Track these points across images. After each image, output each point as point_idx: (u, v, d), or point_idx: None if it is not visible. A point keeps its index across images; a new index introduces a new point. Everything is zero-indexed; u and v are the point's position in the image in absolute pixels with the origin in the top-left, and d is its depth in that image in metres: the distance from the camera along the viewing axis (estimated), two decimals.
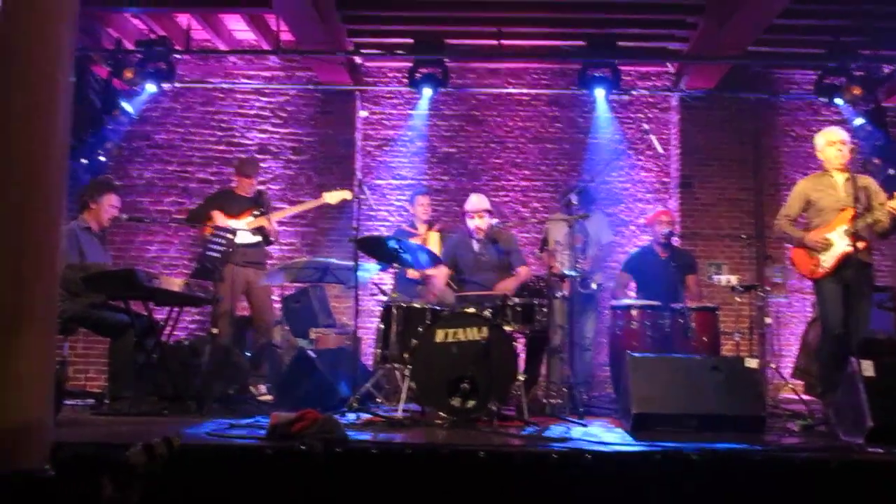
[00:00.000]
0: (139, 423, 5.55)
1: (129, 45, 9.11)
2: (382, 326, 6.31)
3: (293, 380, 6.61)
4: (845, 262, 5.87)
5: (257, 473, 4.11)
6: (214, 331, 6.49)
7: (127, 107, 8.78)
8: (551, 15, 8.93)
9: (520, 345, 6.36)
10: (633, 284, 8.03)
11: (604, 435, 5.16)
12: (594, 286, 7.89)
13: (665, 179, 10.35)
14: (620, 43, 8.94)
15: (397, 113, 10.43)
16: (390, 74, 10.45)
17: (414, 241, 7.58)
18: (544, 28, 9.30)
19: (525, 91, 10.37)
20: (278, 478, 4.10)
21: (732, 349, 7.79)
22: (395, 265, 6.55)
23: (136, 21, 9.37)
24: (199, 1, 8.74)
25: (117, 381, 6.39)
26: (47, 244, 3.68)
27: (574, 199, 7.23)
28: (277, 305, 8.46)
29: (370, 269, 7.73)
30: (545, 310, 6.37)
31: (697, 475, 4.14)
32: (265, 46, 9.74)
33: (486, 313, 5.89)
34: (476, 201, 7.26)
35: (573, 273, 6.90)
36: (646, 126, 9.47)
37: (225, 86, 10.17)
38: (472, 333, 5.71)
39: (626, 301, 7.63)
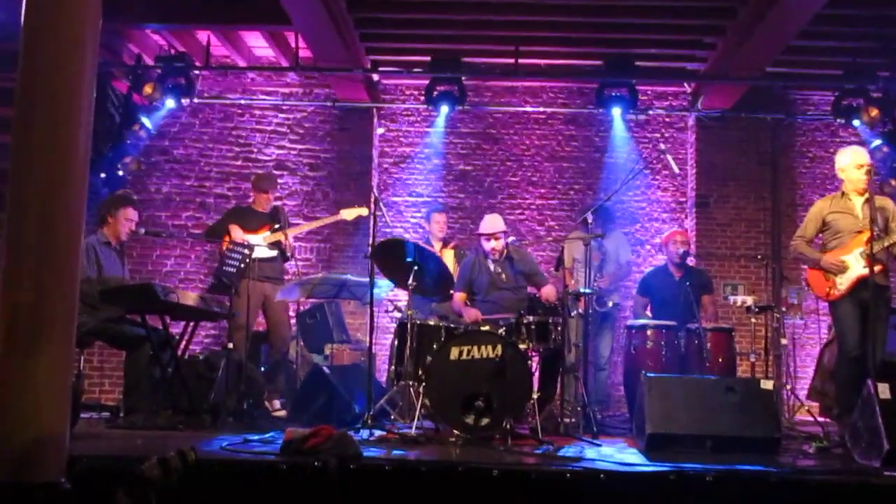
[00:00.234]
0: (154, 436, 5.57)
1: (149, 61, 9.20)
2: (397, 343, 6.32)
3: (308, 395, 6.63)
4: (861, 284, 5.84)
5: (271, 489, 4.12)
6: (230, 345, 6.51)
7: (146, 122, 8.84)
8: (568, 34, 8.94)
9: (534, 363, 6.35)
10: (648, 304, 8.03)
11: (618, 455, 5.15)
12: (611, 304, 7.90)
13: (681, 199, 10.34)
14: (638, 62, 8.95)
15: (414, 130, 10.47)
16: (407, 92, 10.50)
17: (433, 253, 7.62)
18: (561, 47, 9.31)
19: (542, 109, 10.39)
20: (292, 493, 4.11)
21: (748, 370, 7.75)
22: (409, 285, 6.55)
23: (156, 37, 9.45)
24: (220, 18, 8.79)
25: (132, 394, 6.42)
26: (68, 257, 3.72)
27: (590, 217, 7.23)
28: (293, 321, 8.49)
29: (385, 286, 7.74)
30: (560, 328, 6.36)
31: (711, 496, 4.12)
32: (284, 63, 9.79)
33: (501, 331, 5.90)
34: (491, 224, 7.24)
35: (588, 291, 6.89)
36: (662, 146, 9.46)
37: (243, 102, 10.23)
38: (487, 351, 5.71)
39: (642, 321, 7.62)
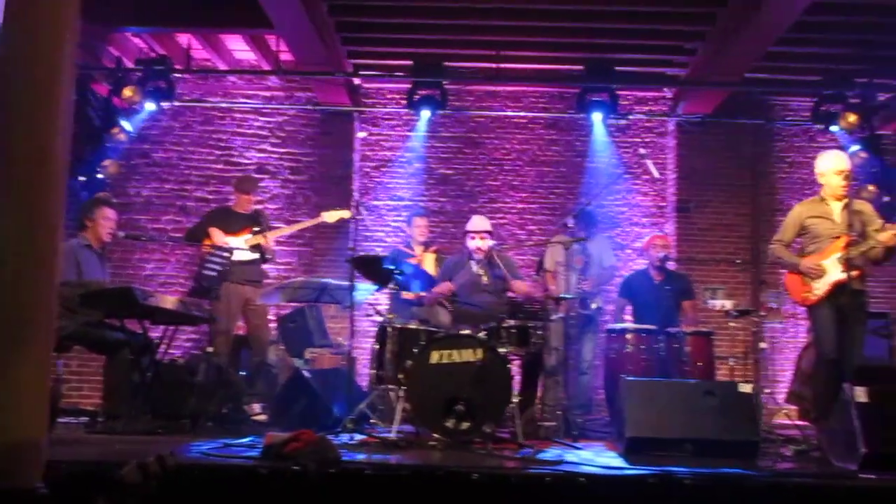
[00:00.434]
0: (133, 441, 5.54)
1: (130, 64, 9.17)
2: (377, 347, 6.31)
3: (288, 400, 6.61)
4: (838, 289, 5.87)
5: (251, 494, 4.09)
6: (210, 349, 6.49)
7: (126, 125, 8.81)
8: (550, 39, 8.98)
9: (515, 367, 6.36)
10: (629, 308, 8.06)
11: (598, 458, 5.15)
12: (594, 306, 7.91)
13: (661, 204, 10.39)
14: (619, 68, 9.01)
15: (395, 134, 10.47)
16: (389, 96, 10.50)
17: (411, 263, 7.62)
18: (543, 52, 9.36)
19: (523, 114, 10.42)
20: (272, 498, 4.09)
21: (727, 374, 7.79)
22: (389, 287, 6.54)
23: (136, 40, 9.43)
24: (200, 21, 8.79)
25: (112, 399, 6.38)
26: (47, 261, 3.69)
27: (571, 221, 7.26)
28: (273, 325, 8.46)
29: (366, 290, 7.74)
30: (540, 332, 6.37)
31: (691, 499, 4.13)
32: (265, 66, 9.79)
33: (481, 335, 5.91)
34: (478, 222, 7.29)
35: (569, 295, 6.91)
36: (643, 150, 9.53)
37: (224, 105, 10.21)
38: (467, 355, 5.71)
39: (621, 325, 7.64)
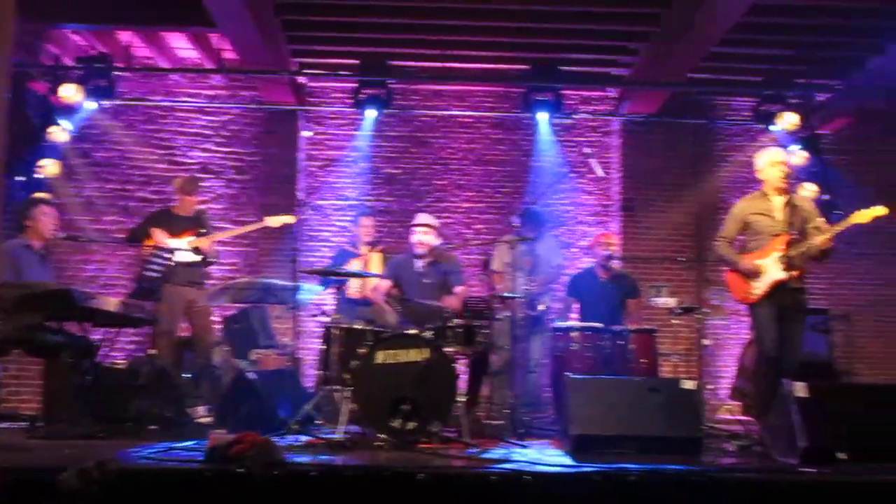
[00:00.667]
0: (74, 446, 5.42)
1: (70, 62, 9.00)
2: (323, 348, 6.28)
3: (232, 402, 6.53)
4: (778, 288, 5.96)
5: (195, 497, 4.04)
6: (153, 352, 6.40)
7: (66, 124, 8.65)
8: (496, 39, 9.00)
9: (461, 366, 6.37)
10: (576, 307, 8.11)
11: (543, 456, 5.18)
12: (541, 307, 7.95)
13: (606, 202, 10.47)
14: (564, 67, 9.06)
15: (341, 133, 10.42)
16: (334, 95, 10.45)
17: (356, 262, 7.61)
18: (488, 52, 9.37)
19: (469, 113, 10.43)
20: (217, 501, 4.04)
21: (671, 371, 7.87)
22: (335, 286, 6.49)
23: (76, 37, 9.26)
24: (142, 18, 8.66)
25: (52, 403, 6.27)
26: None
27: (517, 220, 7.28)
28: (218, 326, 8.37)
29: (312, 290, 7.69)
30: (487, 331, 6.39)
31: (635, 496, 4.17)
32: (208, 65, 9.68)
33: (427, 335, 5.90)
34: (422, 217, 7.30)
35: (515, 295, 6.93)
36: (587, 150, 9.60)
37: (167, 104, 10.07)
38: (413, 355, 5.71)
39: (567, 323, 7.68)
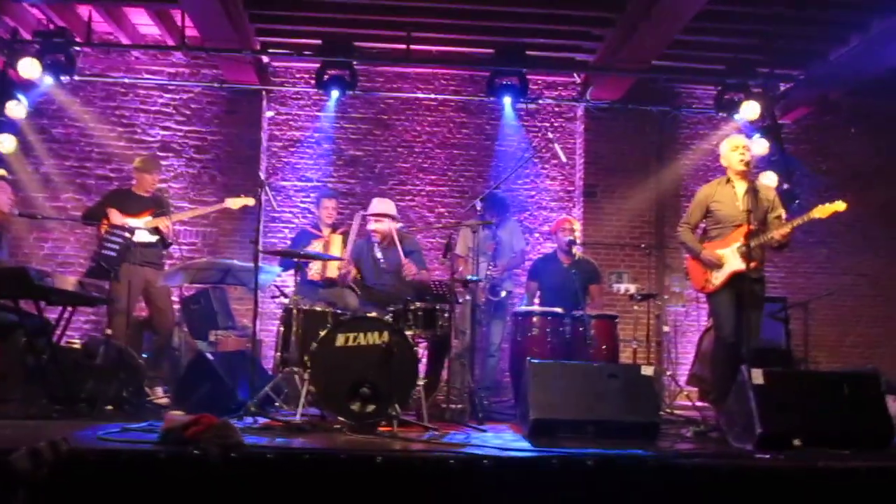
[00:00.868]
0: (26, 426, 5.35)
1: (27, 36, 8.82)
2: (283, 329, 6.23)
3: (190, 383, 6.47)
4: (737, 277, 6.01)
5: (149, 479, 4.00)
6: (109, 331, 6.32)
7: (23, 99, 8.49)
8: (461, 22, 8.96)
9: (422, 349, 6.36)
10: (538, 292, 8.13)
11: (502, 441, 5.19)
12: (503, 294, 7.95)
13: (569, 188, 10.50)
14: (529, 52, 9.04)
15: (304, 114, 10.36)
16: (298, 75, 10.37)
17: (317, 243, 7.56)
18: (454, 34, 9.33)
19: (433, 96, 10.41)
20: (172, 483, 4.00)
21: (630, 357, 7.92)
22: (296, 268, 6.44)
23: (34, 11, 9.08)
24: None
25: (5, 382, 6.15)
26: None
27: (479, 204, 7.27)
28: (177, 306, 8.29)
29: (272, 272, 7.63)
30: (447, 315, 6.38)
31: (593, 481, 4.19)
32: (170, 42, 9.54)
33: (388, 318, 5.88)
34: (375, 205, 7.25)
35: (477, 279, 6.93)
36: (551, 135, 9.61)
37: (127, 81, 9.94)
38: (373, 338, 5.68)
39: (528, 308, 7.70)
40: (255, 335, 6.46)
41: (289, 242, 8.57)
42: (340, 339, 5.69)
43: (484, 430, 5.74)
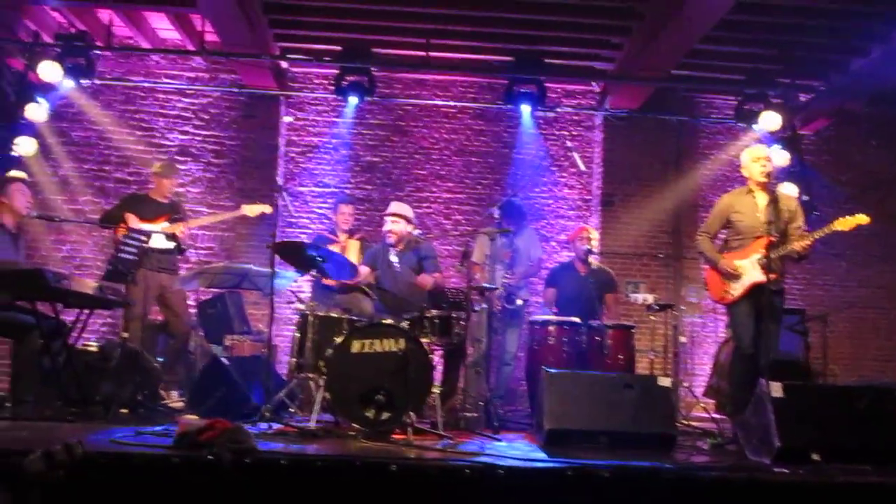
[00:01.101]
0: (41, 428, 5.36)
1: (48, 39, 8.87)
2: (298, 335, 6.22)
3: (205, 387, 6.47)
4: (756, 289, 5.96)
5: (163, 483, 3.99)
6: (125, 335, 6.33)
7: (43, 102, 8.52)
8: (479, 29, 8.95)
9: (437, 357, 6.33)
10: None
11: (517, 450, 5.16)
12: (519, 302, 7.92)
13: (587, 197, 10.47)
14: (547, 60, 9.02)
15: (322, 120, 10.36)
16: (316, 81, 10.38)
17: (333, 248, 7.55)
18: (472, 42, 9.32)
19: (451, 104, 10.39)
20: (185, 488, 4.00)
21: (647, 367, 7.88)
22: (312, 273, 6.43)
23: (55, 14, 9.12)
24: None
25: (20, 384, 6.18)
26: None
27: (496, 212, 7.24)
28: (193, 310, 8.30)
29: (288, 277, 7.63)
30: (463, 322, 6.35)
31: (608, 492, 4.15)
32: (189, 47, 9.57)
33: (404, 325, 5.86)
34: (393, 206, 7.25)
35: (493, 287, 6.90)
36: (569, 143, 9.59)
37: (146, 85, 9.97)
38: (389, 345, 5.66)
39: (544, 317, 7.66)
40: (270, 340, 6.45)
41: None
42: (356, 346, 5.68)
43: (499, 440, 5.71)
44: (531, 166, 10.08)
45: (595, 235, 8.32)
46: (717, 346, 8.57)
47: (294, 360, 6.25)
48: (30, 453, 3.45)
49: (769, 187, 6.14)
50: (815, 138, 10.46)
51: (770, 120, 8.75)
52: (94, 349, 6.85)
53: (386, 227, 7.16)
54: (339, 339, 5.75)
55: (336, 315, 6.23)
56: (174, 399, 7.38)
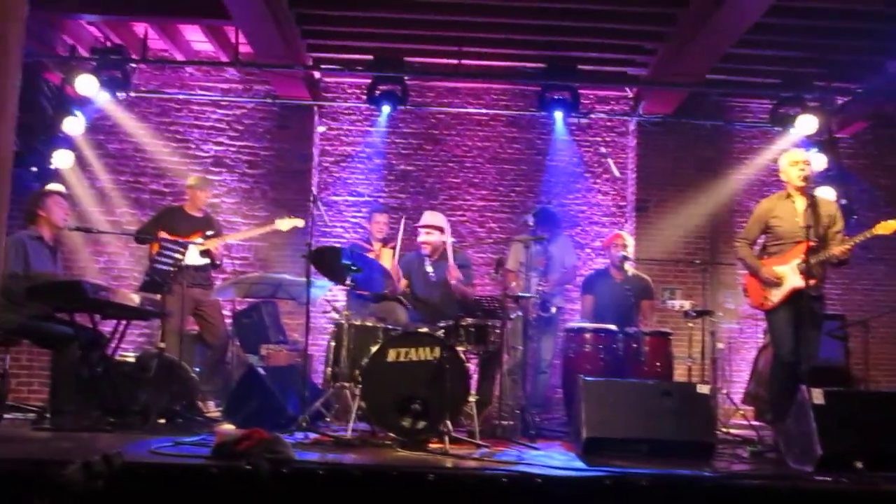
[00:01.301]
0: (80, 438, 5.41)
1: (84, 53, 8.98)
2: (334, 344, 6.23)
3: (242, 397, 6.50)
4: (796, 295, 5.89)
5: (201, 494, 4.00)
6: (162, 345, 6.37)
7: (80, 115, 8.62)
8: (512, 36, 8.93)
9: (473, 365, 6.31)
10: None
11: (554, 459, 5.13)
12: (553, 310, 7.88)
13: (621, 203, 10.40)
14: (580, 66, 8.99)
15: (355, 129, 10.38)
16: (349, 90, 10.41)
17: (367, 257, 7.55)
18: (504, 49, 9.30)
19: (484, 111, 10.37)
20: (223, 498, 4.00)
21: (684, 374, 7.80)
22: (346, 284, 6.43)
23: (91, 28, 9.23)
24: (157, 10, 8.60)
25: (59, 394, 6.23)
26: None
27: (531, 220, 7.21)
28: (229, 320, 8.34)
29: (323, 286, 7.64)
30: (498, 331, 6.33)
31: (647, 501, 4.11)
32: (223, 58, 9.64)
33: (439, 333, 5.85)
34: (427, 217, 7.26)
35: (528, 295, 6.87)
36: (603, 149, 9.53)
37: (181, 97, 10.05)
38: (425, 353, 5.66)
39: (580, 324, 7.62)
40: (306, 349, 6.47)
41: None
42: (392, 355, 5.68)
43: (535, 448, 5.68)
44: (565, 173, 10.02)
45: (630, 241, 8.26)
46: (756, 352, 8.47)
47: (330, 369, 6.26)
48: (69, 464, 3.46)
49: (808, 191, 6.07)
50: (852, 141, 10.31)
51: (806, 123, 8.66)
52: (131, 359, 6.91)
53: (420, 239, 7.17)
54: (374, 348, 5.76)
55: (371, 324, 6.25)
56: (211, 409, 7.41)
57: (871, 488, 4.36)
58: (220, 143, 10.12)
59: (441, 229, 7.16)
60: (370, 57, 9.00)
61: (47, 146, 8.42)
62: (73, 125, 8.58)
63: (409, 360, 5.66)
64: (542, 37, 8.91)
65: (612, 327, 7.27)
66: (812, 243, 5.80)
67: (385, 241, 8.24)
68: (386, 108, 8.91)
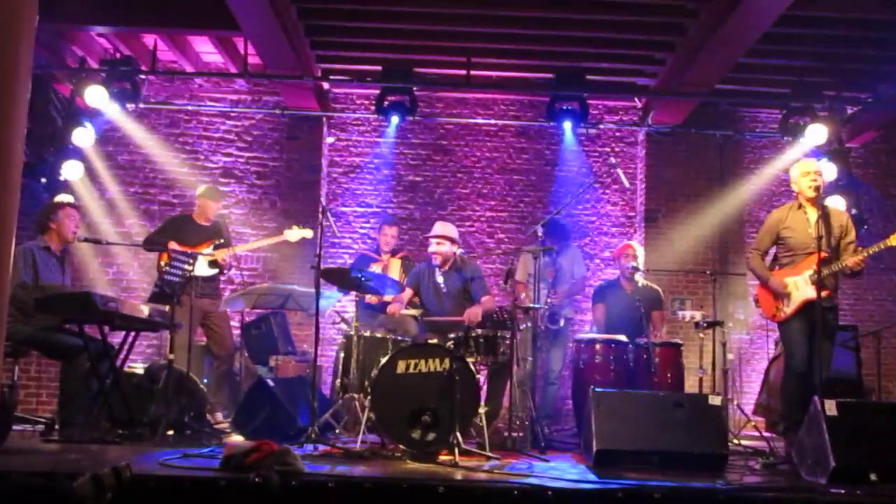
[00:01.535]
0: (89, 450, 5.39)
1: (94, 64, 9.00)
2: (343, 355, 6.21)
3: (251, 408, 6.48)
4: (809, 306, 5.85)
5: None
6: (171, 356, 6.35)
7: (90, 126, 8.63)
8: (521, 47, 8.93)
9: (482, 377, 6.28)
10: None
11: (565, 471, 5.09)
12: (562, 322, 7.85)
13: (631, 213, 10.38)
14: (589, 76, 8.97)
15: (364, 140, 10.38)
16: (358, 101, 10.42)
17: (375, 267, 7.55)
18: (513, 59, 9.30)
19: (493, 122, 10.37)
20: None
21: (695, 385, 7.76)
22: (356, 293, 6.42)
23: (101, 40, 9.26)
24: (167, 21, 8.62)
25: (68, 406, 6.21)
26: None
27: (540, 230, 7.19)
28: (237, 331, 8.33)
29: (332, 297, 7.62)
30: (508, 341, 6.31)
31: None
32: (232, 69, 9.66)
33: (449, 344, 5.83)
34: (437, 227, 7.24)
35: (537, 306, 6.85)
36: (613, 160, 9.50)
37: (190, 108, 10.06)
38: (434, 364, 5.63)
39: (590, 335, 7.59)
40: (315, 361, 6.45)
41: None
42: (401, 366, 5.66)
43: (546, 460, 5.65)
44: (574, 183, 10.01)
45: (640, 252, 8.23)
46: (767, 363, 8.42)
47: (339, 380, 6.25)
48: (78, 476, 3.44)
49: (819, 202, 6.03)
50: (862, 151, 10.29)
51: (817, 133, 8.63)
52: (140, 371, 6.90)
53: (431, 249, 7.15)
54: (384, 360, 5.74)
55: (381, 335, 6.23)
56: (220, 420, 7.39)
57: (885, 500, 4.32)
58: (230, 154, 10.13)
59: (451, 239, 7.15)
60: (379, 68, 9.01)
61: (57, 157, 8.43)
62: (83, 136, 8.59)
63: (418, 372, 5.63)
64: (551, 47, 8.91)
65: (623, 338, 7.24)
66: (824, 254, 5.76)
67: (394, 252, 8.24)
68: (395, 119, 8.92)
